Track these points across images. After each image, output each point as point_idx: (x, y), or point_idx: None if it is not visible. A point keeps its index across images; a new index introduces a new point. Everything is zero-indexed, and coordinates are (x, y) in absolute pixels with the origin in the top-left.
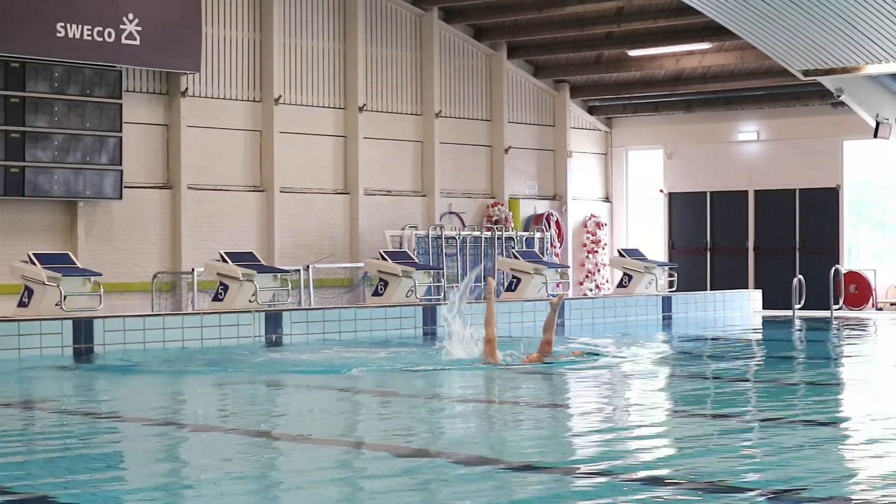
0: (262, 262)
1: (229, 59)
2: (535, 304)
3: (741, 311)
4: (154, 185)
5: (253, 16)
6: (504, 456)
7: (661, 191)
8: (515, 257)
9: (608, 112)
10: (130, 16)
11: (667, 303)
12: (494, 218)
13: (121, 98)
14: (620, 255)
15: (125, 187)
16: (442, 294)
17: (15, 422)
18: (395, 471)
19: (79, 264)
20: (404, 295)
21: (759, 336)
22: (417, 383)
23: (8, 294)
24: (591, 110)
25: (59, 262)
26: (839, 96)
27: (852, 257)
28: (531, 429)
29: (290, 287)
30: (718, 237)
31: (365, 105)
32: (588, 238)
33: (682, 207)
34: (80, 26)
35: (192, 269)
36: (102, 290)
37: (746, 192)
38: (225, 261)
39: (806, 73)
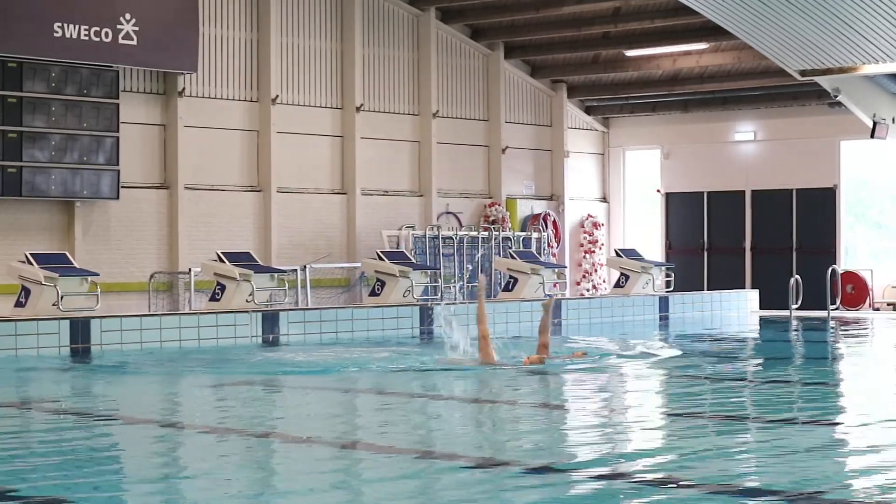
0: (259, 262)
1: (226, 59)
2: (532, 305)
3: (738, 311)
4: (151, 185)
5: (250, 16)
6: (504, 457)
7: (658, 191)
8: (512, 257)
9: (605, 112)
10: (127, 16)
11: (664, 303)
12: (491, 218)
13: (118, 98)
14: (617, 255)
15: (122, 187)
16: (439, 294)
17: (11, 420)
18: (395, 472)
19: (76, 264)
20: (401, 295)
21: (756, 336)
22: (413, 384)
23: (5, 294)
24: (588, 110)
25: (56, 262)
26: (836, 96)
27: (849, 257)
28: (531, 429)
29: (287, 287)
30: (715, 237)
31: (362, 105)
32: (585, 238)
33: (679, 207)
34: (77, 26)
35: (189, 269)
36: (99, 289)
37: (743, 192)
38: (222, 261)
39: (803, 73)
